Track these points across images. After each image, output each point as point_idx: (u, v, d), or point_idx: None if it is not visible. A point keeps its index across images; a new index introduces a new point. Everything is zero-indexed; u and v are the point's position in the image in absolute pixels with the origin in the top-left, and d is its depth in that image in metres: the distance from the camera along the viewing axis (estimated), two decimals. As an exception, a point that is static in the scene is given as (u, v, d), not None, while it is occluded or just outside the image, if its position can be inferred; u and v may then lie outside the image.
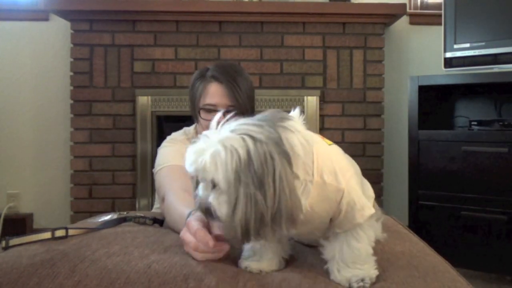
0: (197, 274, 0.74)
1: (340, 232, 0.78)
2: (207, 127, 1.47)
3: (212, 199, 0.70)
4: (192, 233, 0.79)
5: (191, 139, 1.54)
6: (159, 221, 1.11)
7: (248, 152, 0.67)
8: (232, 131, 0.70)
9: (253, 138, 0.68)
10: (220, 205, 0.70)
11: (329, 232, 0.79)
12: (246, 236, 0.68)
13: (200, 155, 0.70)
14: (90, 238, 0.92)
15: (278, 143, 0.68)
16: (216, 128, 0.74)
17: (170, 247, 0.88)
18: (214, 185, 0.70)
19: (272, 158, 0.67)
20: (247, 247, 0.82)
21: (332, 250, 0.78)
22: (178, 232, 0.89)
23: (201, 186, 0.73)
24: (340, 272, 0.76)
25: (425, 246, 1.04)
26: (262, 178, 0.66)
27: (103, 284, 0.72)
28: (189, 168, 0.72)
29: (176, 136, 1.50)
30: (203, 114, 1.38)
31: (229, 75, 1.37)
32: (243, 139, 0.68)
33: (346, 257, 0.76)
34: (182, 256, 0.82)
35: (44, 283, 0.72)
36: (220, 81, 1.36)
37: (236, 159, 0.67)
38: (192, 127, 1.56)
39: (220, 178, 0.68)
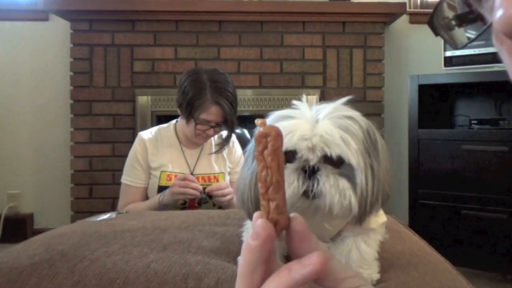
0: (196, 273, 0.74)
1: (349, 236, 0.77)
2: (199, 135, 1.67)
3: (334, 179, 0.61)
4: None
5: (163, 134, 1.75)
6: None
7: (365, 122, 0.65)
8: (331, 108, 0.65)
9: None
10: (345, 185, 0.61)
11: (337, 234, 0.78)
12: (363, 217, 0.64)
13: (321, 127, 0.61)
14: (89, 237, 0.92)
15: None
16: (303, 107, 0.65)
17: (168, 245, 0.87)
18: (336, 162, 0.62)
19: (374, 132, 0.67)
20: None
21: (339, 253, 0.76)
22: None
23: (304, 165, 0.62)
24: None
25: (425, 245, 1.04)
26: (377, 151, 0.65)
27: (102, 284, 0.72)
28: (298, 143, 0.60)
29: (143, 135, 1.76)
30: (199, 126, 1.63)
31: (227, 99, 1.62)
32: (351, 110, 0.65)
33: (353, 261, 0.76)
34: (181, 254, 0.82)
35: (43, 283, 0.72)
36: (221, 106, 1.60)
37: (363, 130, 0.64)
38: (168, 126, 1.80)
39: (351, 152, 0.61)
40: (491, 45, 2.30)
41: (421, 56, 3.02)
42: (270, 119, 0.64)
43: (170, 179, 1.70)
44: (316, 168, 0.61)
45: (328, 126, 0.61)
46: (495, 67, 2.31)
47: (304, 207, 0.61)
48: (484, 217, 2.17)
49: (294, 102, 0.67)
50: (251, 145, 0.68)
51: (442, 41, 2.46)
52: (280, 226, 0.34)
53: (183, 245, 0.89)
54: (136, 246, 0.86)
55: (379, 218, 0.77)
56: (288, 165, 0.62)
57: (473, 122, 2.34)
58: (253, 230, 0.33)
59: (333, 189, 0.61)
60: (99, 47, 2.73)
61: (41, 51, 2.94)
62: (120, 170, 1.84)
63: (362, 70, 2.82)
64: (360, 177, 0.62)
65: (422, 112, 2.41)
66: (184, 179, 1.61)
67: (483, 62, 2.34)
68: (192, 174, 1.74)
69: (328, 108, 0.64)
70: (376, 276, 0.78)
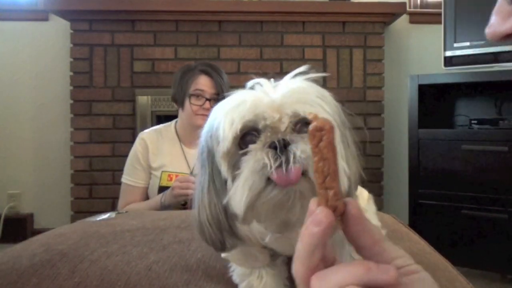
0: (198, 280, 0.74)
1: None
2: (197, 114, 1.68)
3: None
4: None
5: (163, 134, 1.78)
6: None
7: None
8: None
9: None
10: None
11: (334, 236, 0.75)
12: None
13: (285, 85, 0.51)
14: (88, 237, 0.91)
15: None
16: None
17: (168, 245, 0.87)
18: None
19: (345, 118, 0.55)
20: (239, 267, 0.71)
21: (341, 255, 0.72)
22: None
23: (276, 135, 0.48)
24: None
25: (425, 245, 1.03)
26: (348, 137, 0.53)
27: (103, 286, 0.71)
28: (257, 106, 0.48)
29: (144, 134, 1.79)
30: (192, 100, 1.68)
31: (215, 70, 1.72)
32: None
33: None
34: (181, 254, 0.82)
35: (43, 284, 0.72)
36: (209, 74, 1.69)
37: (337, 105, 0.52)
38: (169, 125, 1.84)
39: (328, 115, 0.49)
40: (491, 45, 2.31)
41: (421, 56, 3.01)
42: (222, 101, 0.53)
43: (171, 179, 1.70)
44: (288, 140, 0.47)
45: (297, 82, 0.50)
46: (495, 67, 2.31)
47: (279, 197, 0.47)
48: (484, 217, 2.17)
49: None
50: (202, 148, 0.55)
51: (442, 41, 2.46)
52: (338, 211, 0.36)
53: (183, 245, 0.89)
54: (135, 246, 0.86)
55: (363, 194, 0.71)
56: (251, 147, 0.48)
57: (473, 122, 2.34)
58: (314, 217, 0.35)
59: None
60: (99, 47, 2.73)
61: (41, 51, 2.94)
62: (120, 170, 1.84)
63: (362, 70, 2.81)
64: (339, 148, 0.49)
65: (422, 112, 2.41)
66: (186, 181, 1.61)
67: (483, 62, 2.34)
68: (191, 173, 1.74)
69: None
70: None
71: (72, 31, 2.73)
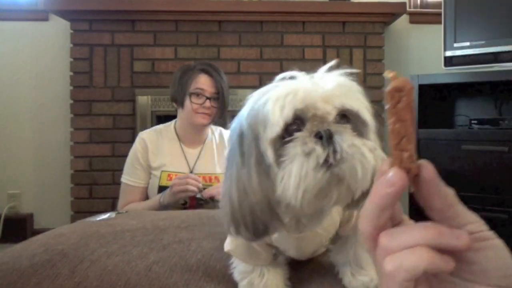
0: (198, 280, 0.74)
1: (350, 234, 0.73)
2: (197, 113, 1.68)
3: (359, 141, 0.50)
4: None
5: (163, 134, 1.79)
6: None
7: None
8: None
9: None
10: (371, 144, 0.51)
11: (337, 237, 0.74)
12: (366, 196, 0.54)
13: (330, 78, 0.55)
14: (88, 237, 0.91)
15: None
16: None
17: (168, 245, 0.87)
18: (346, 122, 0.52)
19: None
20: (240, 263, 0.72)
21: (345, 255, 0.73)
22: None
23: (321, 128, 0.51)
24: (355, 277, 0.73)
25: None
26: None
27: (103, 286, 0.71)
28: (308, 97, 0.52)
29: (144, 134, 1.80)
30: (193, 98, 1.70)
31: (214, 70, 1.75)
32: None
33: (361, 259, 0.73)
34: (181, 254, 0.82)
35: (43, 284, 0.72)
36: (209, 73, 1.72)
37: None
38: (169, 125, 1.85)
39: (366, 108, 0.52)
40: (491, 45, 2.31)
41: (421, 56, 3.01)
42: (261, 90, 0.54)
43: (171, 179, 1.70)
44: (332, 131, 0.50)
45: (337, 76, 0.53)
46: (495, 67, 2.31)
47: (323, 182, 0.49)
48: (484, 217, 2.15)
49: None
50: (241, 134, 0.55)
51: (442, 41, 2.46)
52: (412, 174, 0.36)
53: (183, 245, 0.89)
54: (135, 246, 0.86)
55: None
56: (297, 134, 0.50)
57: (473, 122, 2.34)
58: (387, 178, 0.35)
59: (365, 147, 0.50)
60: (99, 47, 2.73)
61: (41, 51, 2.94)
62: (120, 170, 1.84)
63: (362, 70, 2.81)
64: (373, 139, 0.52)
65: (422, 112, 2.41)
66: (185, 177, 1.61)
67: (483, 62, 2.33)
68: (191, 173, 1.74)
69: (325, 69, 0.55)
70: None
71: (72, 31, 2.73)
